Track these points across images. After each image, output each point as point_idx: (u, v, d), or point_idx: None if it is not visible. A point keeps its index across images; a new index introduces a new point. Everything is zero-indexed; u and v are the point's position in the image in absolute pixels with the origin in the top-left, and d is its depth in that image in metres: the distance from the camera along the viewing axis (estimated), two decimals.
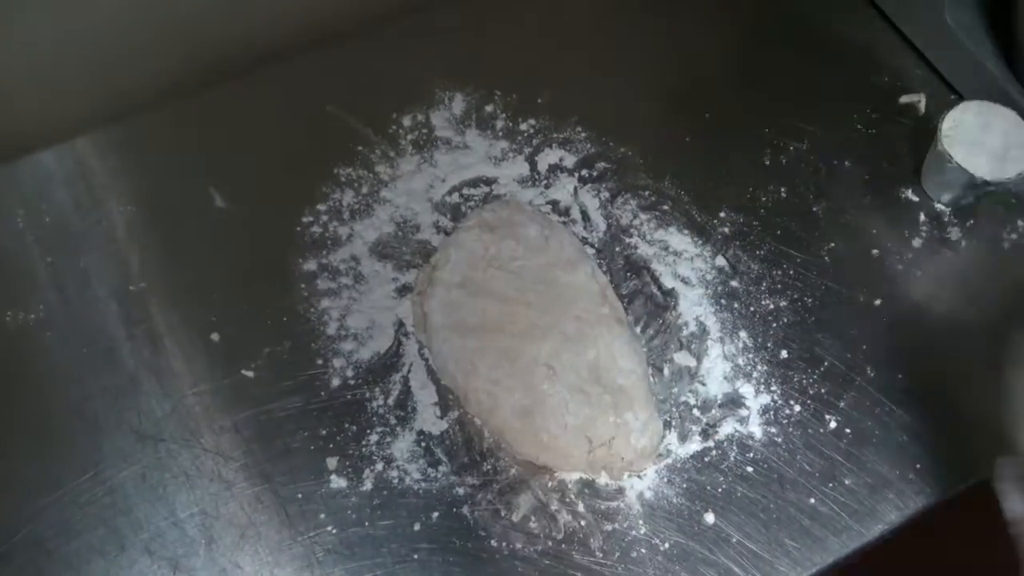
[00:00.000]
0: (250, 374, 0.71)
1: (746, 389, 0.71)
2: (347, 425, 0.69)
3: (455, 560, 0.64)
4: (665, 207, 0.79)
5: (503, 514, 0.66)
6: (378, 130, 0.83)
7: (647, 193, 0.80)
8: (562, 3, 0.91)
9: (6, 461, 0.68)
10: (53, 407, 0.70)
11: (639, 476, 0.67)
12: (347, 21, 0.91)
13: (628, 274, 0.76)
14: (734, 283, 0.76)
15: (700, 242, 0.77)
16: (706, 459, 0.68)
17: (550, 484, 0.67)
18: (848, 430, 0.69)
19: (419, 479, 0.67)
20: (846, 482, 0.67)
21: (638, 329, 0.73)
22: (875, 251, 0.77)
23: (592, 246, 0.77)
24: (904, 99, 0.85)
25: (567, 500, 0.67)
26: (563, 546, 0.65)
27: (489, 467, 0.68)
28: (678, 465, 0.68)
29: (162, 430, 0.69)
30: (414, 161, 0.81)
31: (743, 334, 0.73)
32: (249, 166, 0.81)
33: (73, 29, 0.81)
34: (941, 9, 0.82)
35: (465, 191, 0.80)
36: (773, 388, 0.71)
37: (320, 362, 0.72)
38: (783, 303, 0.75)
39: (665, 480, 0.67)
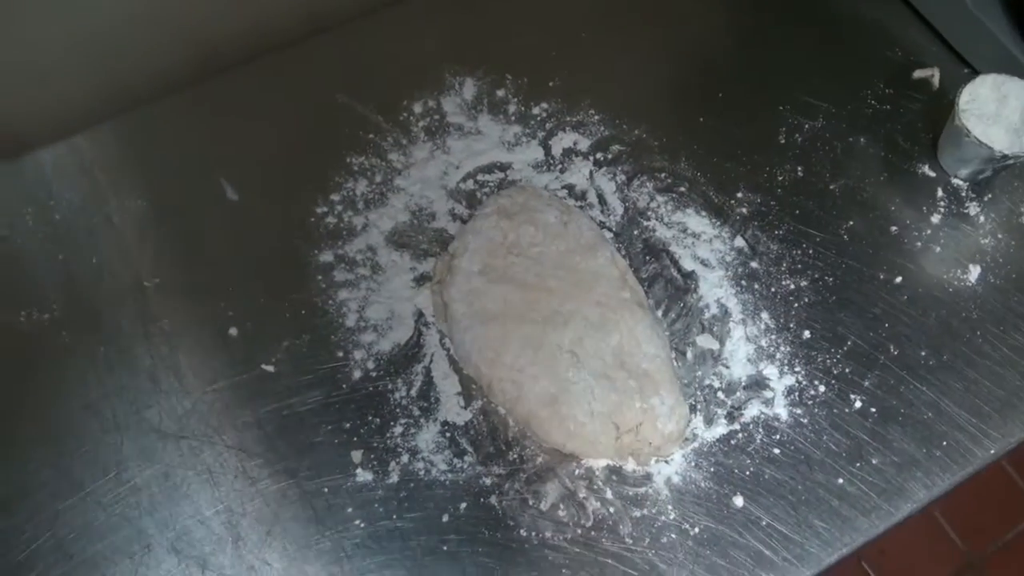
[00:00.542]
0: (270, 368, 0.70)
1: (770, 371, 0.70)
2: (370, 418, 0.68)
3: (484, 551, 0.64)
4: (682, 189, 0.78)
5: (531, 503, 0.66)
6: (389, 117, 0.81)
7: (663, 175, 0.79)
8: None
9: (25, 464, 0.67)
10: (72, 408, 0.69)
11: (666, 461, 0.67)
12: (354, 5, 0.89)
13: (647, 257, 0.75)
14: (754, 264, 0.75)
15: (718, 223, 0.77)
16: (732, 442, 0.68)
17: (577, 472, 0.67)
18: (873, 409, 0.69)
19: (445, 470, 0.67)
20: (873, 461, 0.67)
21: (659, 313, 0.73)
22: (894, 228, 0.77)
23: (610, 230, 0.76)
24: (918, 74, 0.84)
25: (595, 487, 0.66)
26: (593, 533, 0.65)
27: (515, 456, 0.67)
28: (705, 449, 0.68)
29: (183, 428, 0.68)
30: (427, 148, 0.80)
31: (765, 315, 0.73)
32: (260, 157, 0.80)
33: (79, 21, 0.79)
34: None
35: (480, 177, 0.79)
36: (797, 369, 0.70)
37: (340, 354, 0.71)
38: (804, 283, 0.74)
39: (692, 464, 0.67)
